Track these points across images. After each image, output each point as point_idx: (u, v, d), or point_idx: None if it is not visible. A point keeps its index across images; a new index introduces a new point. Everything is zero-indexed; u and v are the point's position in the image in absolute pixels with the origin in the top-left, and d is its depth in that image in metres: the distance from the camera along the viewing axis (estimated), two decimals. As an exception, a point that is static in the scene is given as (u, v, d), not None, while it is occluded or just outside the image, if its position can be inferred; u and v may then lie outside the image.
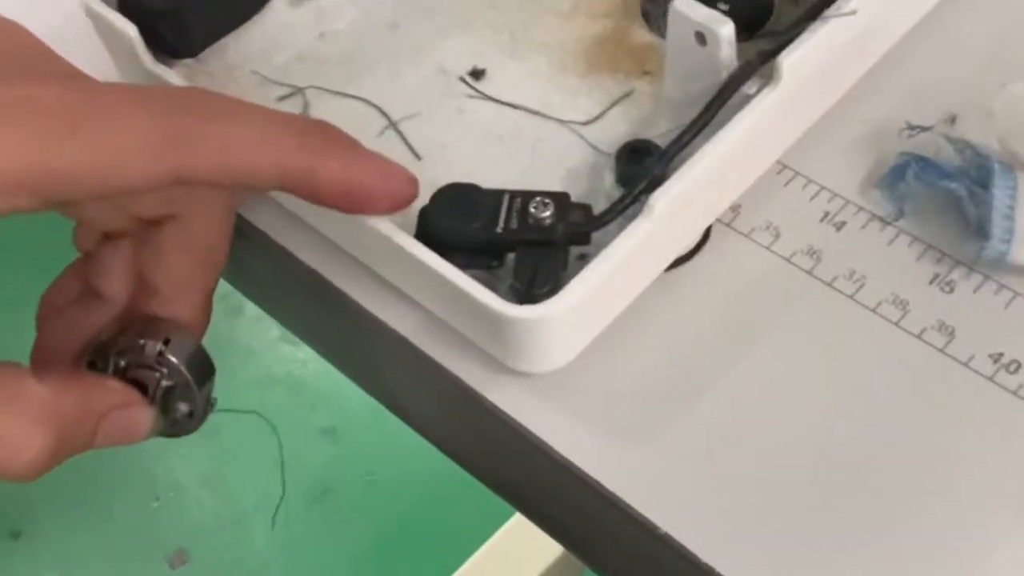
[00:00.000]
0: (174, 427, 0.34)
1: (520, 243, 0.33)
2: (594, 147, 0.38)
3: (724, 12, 0.35)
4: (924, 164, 0.36)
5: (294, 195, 0.32)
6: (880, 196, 0.37)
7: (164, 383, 0.33)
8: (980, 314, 0.34)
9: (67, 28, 0.32)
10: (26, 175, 0.27)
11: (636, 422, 0.34)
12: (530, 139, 0.38)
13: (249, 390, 1.22)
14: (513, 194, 0.34)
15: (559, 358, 0.33)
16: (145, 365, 0.33)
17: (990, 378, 0.33)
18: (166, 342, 0.33)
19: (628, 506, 0.32)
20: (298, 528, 1.19)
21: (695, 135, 0.34)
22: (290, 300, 0.43)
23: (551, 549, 0.96)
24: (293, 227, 0.38)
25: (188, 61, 0.39)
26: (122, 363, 0.33)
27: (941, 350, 0.34)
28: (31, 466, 0.30)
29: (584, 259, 0.34)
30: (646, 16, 0.41)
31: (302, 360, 1.28)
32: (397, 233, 0.33)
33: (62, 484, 1.21)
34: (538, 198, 0.34)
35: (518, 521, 0.99)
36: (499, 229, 0.33)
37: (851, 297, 0.35)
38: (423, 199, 0.34)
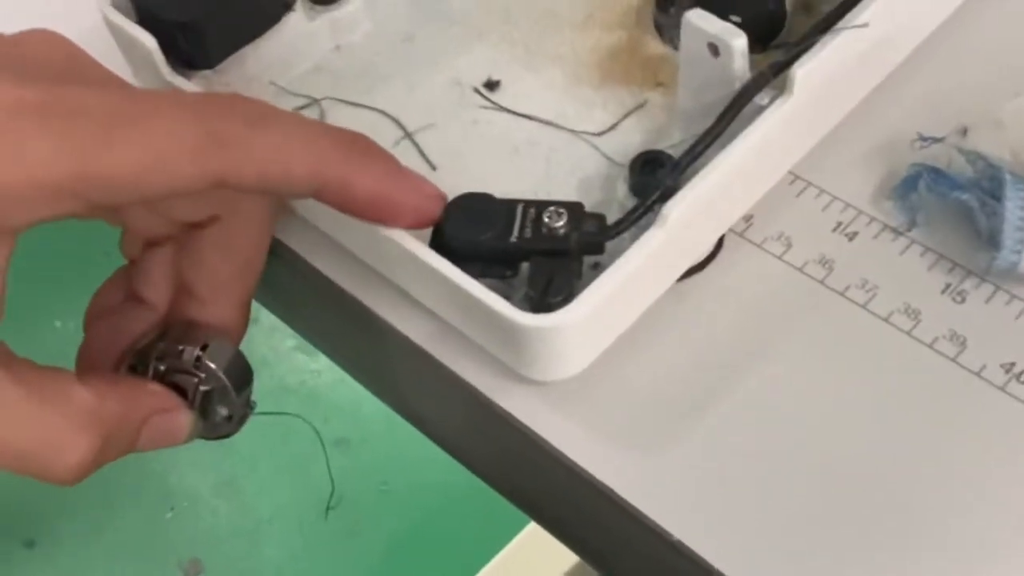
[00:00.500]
0: (213, 430, 0.35)
1: (534, 252, 0.34)
2: (608, 157, 0.38)
3: (737, 24, 0.35)
4: (936, 175, 0.36)
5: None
6: (892, 207, 0.37)
7: (202, 387, 0.34)
8: (992, 324, 0.35)
9: (88, 40, 0.32)
10: (69, 179, 0.28)
11: (650, 431, 0.34)
12: (544, 150, 0.39)
13: (263, 400, 1.23)
14: (527, 204, 0.34)
15: (573, 367, 0.34)
16: (184, 370, 0.33)
17: (1002, 388, 0.33)
18: (204, 347, 0.34)
19: (642, 514, 0.32)
20: (312, 538, 1.19)
21: (708, 146, 0.34)
22: (306, 309, 0.43)
23: (566, 559, 0.96)
24: (310, 236, 0.38)
25: (206, 72, 0.39)
26: (162, 368, 0.34)
27: (953, 359, 0.34)
28: (75, 469, 0.30)
29: (597, 268, 0.34)
30: (659, 28, 0.41)
31: (316, 370, 1.28)
32: (412, 243, 0.33)
33: (77, 493, 1.21)
34: (552, 208, 0.34)
35: (532, 531, 1.00)
36: (513, 238, 0.34)
37: (863, 307, 0.35)
38: (438, 208, 0.34)
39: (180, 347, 0.34)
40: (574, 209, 0.34)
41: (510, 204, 0.34)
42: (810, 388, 0.34)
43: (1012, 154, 0.36)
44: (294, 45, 0.40)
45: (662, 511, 0.32)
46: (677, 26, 0.37)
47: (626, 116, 0.39)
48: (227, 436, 0.35)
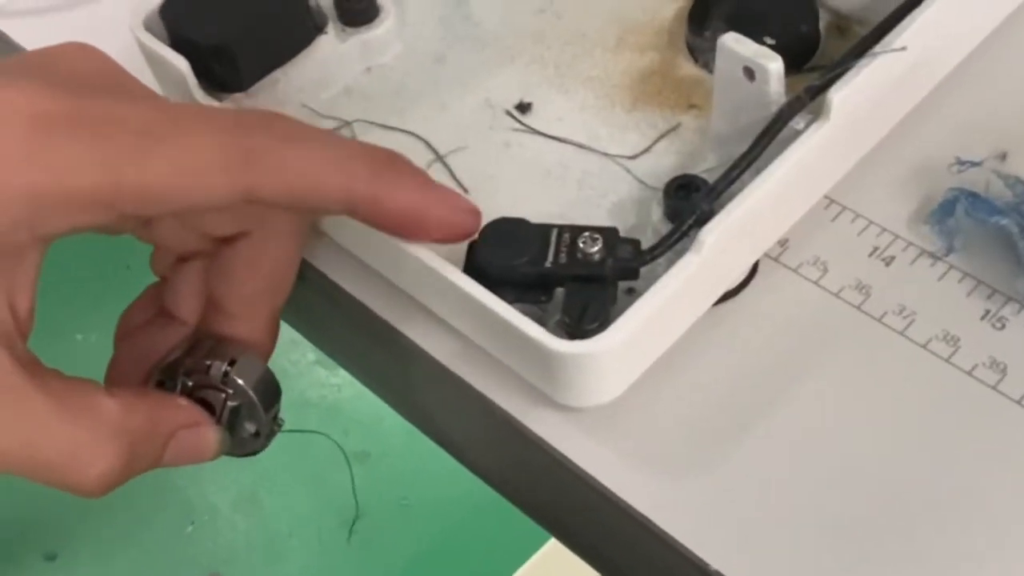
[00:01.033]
0: (241, 446, 0.35)
1: (569, 278, 0.33)
2: (641, 181, 0.38)
3: (771, 46, 0.35)
4: (974, 200, 0.36)
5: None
6: (929, 231, 0.36)
7: (230, 403, 0.33)
8: (1032, 351, 0.34)
9: (120, 61, 0.33)
10: (101, 190, 0.28)
11: (685, 457, 0.33)
12: (577, 172, 0.38)
13: (284, 414, 1.23)
14: (562, 228, 0.34)
15: (608, 393, 0.33)
16: (212, 385, 0.33)
17: (1043, 416, 0.33)
18: (232, 363, 0.33)
19: (677, 542, 0.32)
20: (332, 553, 1.19)
21: (743, 170, 0.34)
22: (332, 328, 0.43)
23: (587, 576, 0.96)
24: (336, 256, 0.38)
25: (238, 95, 0.39)
26: (190, 383, 0.34)
27: (993, 387, 0.34)
28: (100, 481, 0.30)
29: (632, 293, 0.34)
30: (691, 50, 0.41)
31: (336, 385, 1.28)
32: (447, 267, 0.33)
33: (98, 506, 1.22)
34: (587, 233, 0.34)
35: (553, 547, 0.99)
36: (548, 264, 0.33)
37: (901, 333, 0.35)
38: (471, 233, 0.34)
39: (208, 362, 0.34)
40: (609, 234, 0.34)
41: (544, 229, 0.34)
42: (847, 415, 0.34)
43: (1051, 179, 0.36)
44: (325, 67, 0.40)
45: (699, 540, 0.32)
46: (711, 48, 0.37)
47: (659, 139, 0.39)
48: (255, 453, 0.35)
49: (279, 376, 0.35)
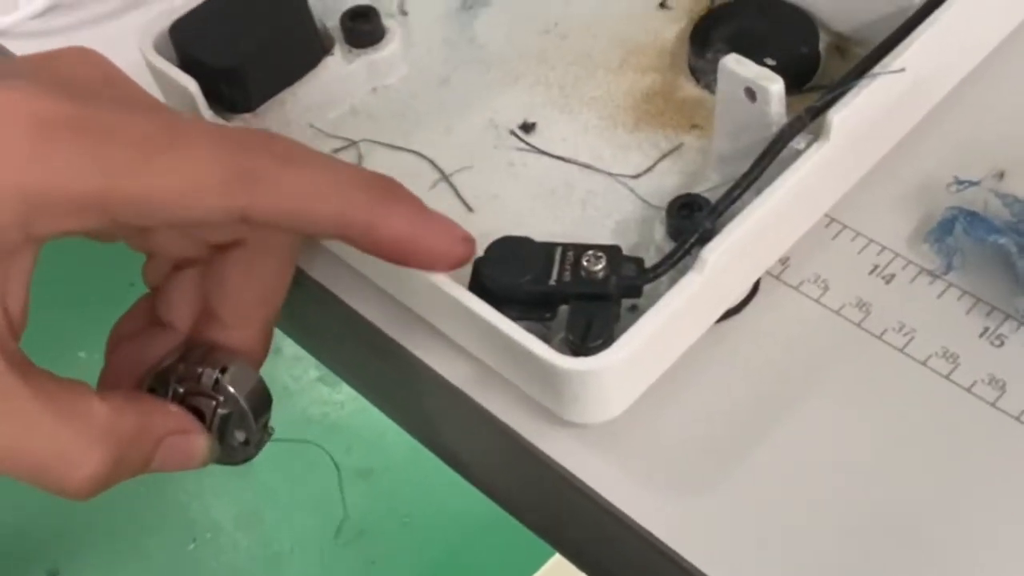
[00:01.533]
0: (231, 455, 0.35)
1: (573, 296, 0.34)
2: (643, 200, 0.38)
3: (772, 67, 0.36)
4: (972, 218, 0.36)
5: (350, 245, 0.32)
6: (929, 250, 0.37)
7: (221, 411, 0.33)
8: (1031, 368, 0.35)
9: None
10: (96, 195, 0.28)
11: (688, 474, 0.34)
12: (580, 192, 0.39)
13: (284, 430, 1.23)
14: (566, 247, 0.35)
15: (612, 410, 0.34)
16: (202, 392, 0.33)
17: (1042, 432, 0.33)
18: (223, 371, 0.33)
19: (683, 559, 0.32)
20: (333, 569, 1.19)
21: (745, 190, 0.35)
22: (337, 344, 0.43)
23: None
24: (341, 273, 0.38)
25: (245, 115, 0.40)
26: (181, 390, 0.34)
27: (992, 404, 0.34)
28: (87, 483, 0.30)
29: (635, 310, 0.35)
30: (693, 71, 0.41)
31: (339, 401, 1.28)
32: (452, 286, 0.34)
33: (100, 522, 1.22)
34: (590, 251, 0.34)
35: (557, 563, 0.99)
36: (552, 281, 0.34)
37: (901, 350, 0.35)
38: (477, 251, 0.34)
39: (199, 369, 0.33)
40: (612, 252, 0.34)
41: (549, 247, 0.35)
42: (848, 432, 0.34)
43: (1049, 198, 0.36)
44: (332, 88, 0.41)
45: (705, 557, 0.32)
46: (712, 70, 0.37)
47: (661, 159, 0.39)
48: (244, 461, 0.35)
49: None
